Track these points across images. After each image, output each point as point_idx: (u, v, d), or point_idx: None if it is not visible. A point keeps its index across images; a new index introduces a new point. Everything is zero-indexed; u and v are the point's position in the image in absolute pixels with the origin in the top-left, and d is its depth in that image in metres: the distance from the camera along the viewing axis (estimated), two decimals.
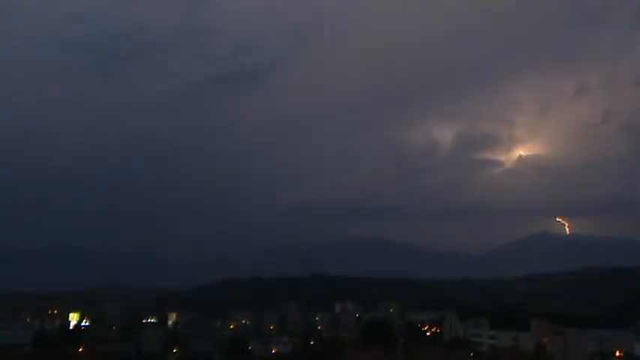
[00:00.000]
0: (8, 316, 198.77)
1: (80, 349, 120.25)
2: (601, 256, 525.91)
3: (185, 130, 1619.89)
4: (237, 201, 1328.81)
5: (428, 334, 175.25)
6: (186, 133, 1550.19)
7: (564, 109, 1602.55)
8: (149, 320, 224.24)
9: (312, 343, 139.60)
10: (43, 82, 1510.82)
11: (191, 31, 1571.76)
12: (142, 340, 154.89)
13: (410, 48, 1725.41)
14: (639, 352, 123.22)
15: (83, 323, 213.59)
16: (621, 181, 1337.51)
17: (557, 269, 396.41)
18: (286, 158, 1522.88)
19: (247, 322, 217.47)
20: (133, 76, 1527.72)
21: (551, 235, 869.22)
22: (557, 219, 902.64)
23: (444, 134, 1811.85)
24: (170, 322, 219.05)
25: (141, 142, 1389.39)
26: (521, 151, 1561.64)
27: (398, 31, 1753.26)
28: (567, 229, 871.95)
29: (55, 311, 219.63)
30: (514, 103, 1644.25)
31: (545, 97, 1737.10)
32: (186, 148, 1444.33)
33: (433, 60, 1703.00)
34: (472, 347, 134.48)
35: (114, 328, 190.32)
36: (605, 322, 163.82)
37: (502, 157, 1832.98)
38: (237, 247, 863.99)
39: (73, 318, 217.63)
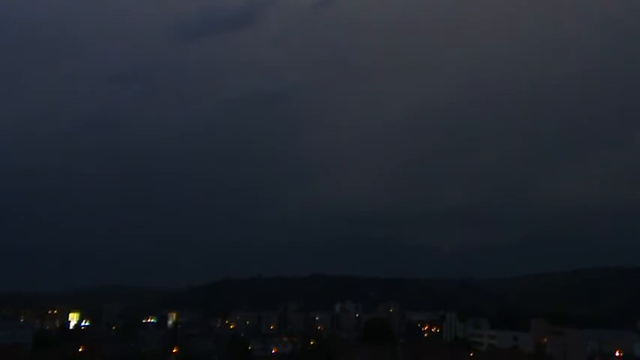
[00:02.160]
0: (8, 316, 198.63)
1: (80, 349, 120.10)
2: (601, 257, 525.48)
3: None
4: (237, 201, 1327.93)
5: (428, 334, 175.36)
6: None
7: None
8: (149, 320, 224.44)
9: (312, 343, 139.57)
10: None
11: None
12: (142, 340, 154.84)
13: None
14: (639, 352, 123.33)
15: (83, 323, 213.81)
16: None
17: (557, 269, 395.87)
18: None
19: (247, 322, 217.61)
20: None
21: (552, 235, 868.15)
22: None
23: None
24: (170, 322, 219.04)
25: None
26: None
27: None
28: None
29: (55, 311, 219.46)
30: None
31: None
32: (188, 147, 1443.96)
33: None
34: (472, 347, 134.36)
35: (114, 328, 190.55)
36: (605, 322, 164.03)
37: None
38: (237, 247, 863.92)
39: (73, 318, 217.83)
